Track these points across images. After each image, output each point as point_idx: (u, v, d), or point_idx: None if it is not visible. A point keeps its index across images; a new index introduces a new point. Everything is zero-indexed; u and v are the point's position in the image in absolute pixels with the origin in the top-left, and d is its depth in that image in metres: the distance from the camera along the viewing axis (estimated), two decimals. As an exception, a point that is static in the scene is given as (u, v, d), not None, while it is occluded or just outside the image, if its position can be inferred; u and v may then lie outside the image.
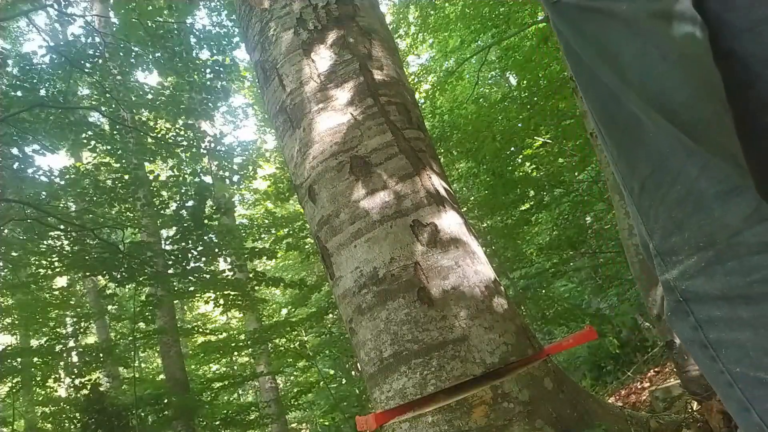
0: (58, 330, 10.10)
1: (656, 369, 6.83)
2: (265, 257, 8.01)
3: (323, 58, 2.19)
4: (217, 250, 7.89)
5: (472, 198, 10.43)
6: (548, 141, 9.32)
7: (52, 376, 9.43)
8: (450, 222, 2.04)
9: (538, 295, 10.67)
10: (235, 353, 9.98)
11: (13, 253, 8.75)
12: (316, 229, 2.17)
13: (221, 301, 8.39)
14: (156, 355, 11.21)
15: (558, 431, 1.66)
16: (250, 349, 9.83)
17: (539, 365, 1.76)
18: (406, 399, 1.77)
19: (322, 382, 9.85)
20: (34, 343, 10.58)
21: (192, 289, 8.50)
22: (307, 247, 9.64)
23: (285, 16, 2.34)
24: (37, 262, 8.23)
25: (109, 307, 10.66)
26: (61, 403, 9.01)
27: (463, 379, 1.74)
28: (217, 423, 9.69)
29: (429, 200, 2.04)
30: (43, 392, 9.56)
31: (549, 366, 1.81)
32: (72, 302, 9.84)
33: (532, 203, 10.10)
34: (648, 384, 6.24)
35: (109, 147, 8.90)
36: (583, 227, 10.38)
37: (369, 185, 2.04)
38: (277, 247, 9.22)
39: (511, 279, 10.49)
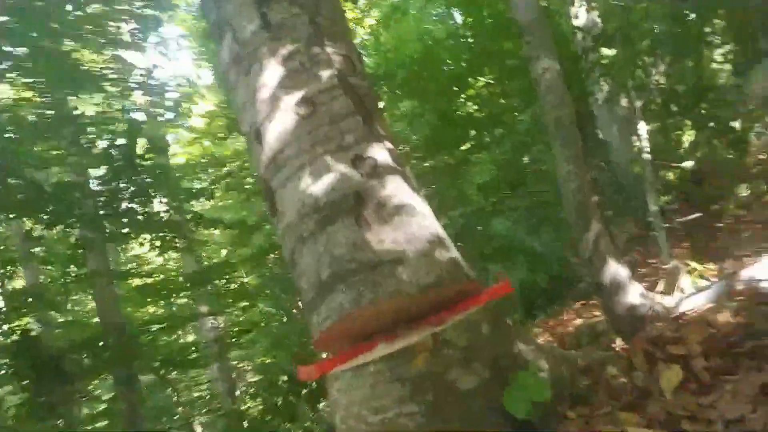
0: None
1: (582, 303, 7.28)
2: (203, 198, 7.81)
3: (274, 11, 2.32)
4: (151, 191, 7.61)
5: (415, 137, 10.44)
6: (491, 81, 9.35)
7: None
8: (388, 157, 2.17)
9: (477, 232, 10.98)
10: (174, 295, 9.84)
11: None
12: (263, 170, 2.26)
13: (158, 243, 8.19)
14: (90, 299, 10.90)
15: (494, 372, 1.74)
16: (189, 292, 9.72)
17: (478, 310, 1.83)
18: (341, 313, 1.86)
19: (263, 322, 9.93)
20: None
21: (126, 231, 8.22)
22: (247, 187, 9.46)
23: (240, -23, 2.44)
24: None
25: (37, 249, 10.18)
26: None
27: (396, 297, 1.81)
28: (157, 364, 9.65)
29: (369, 137, 2.17)
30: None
31: (487, 310, 1.88)
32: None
33: (473, 143, 10.21)
34: (574, 316, 6.66)
35: (30, 80, 8.22)
36: (522, 168, 10.65)
37: (314, 123, 2.15)
38: (216, 186, 9.00)
39: (451, 217, 10.72)
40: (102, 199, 7.43)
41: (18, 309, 8.64)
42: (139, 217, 7.66)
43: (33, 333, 8.60)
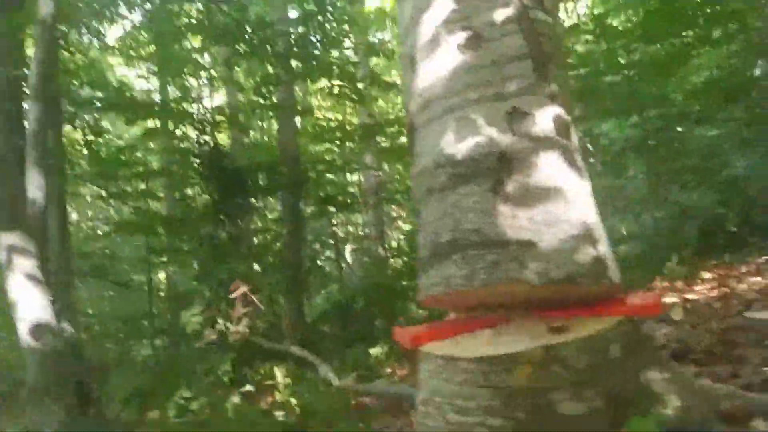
0: (189, 84, 10.79)
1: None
2: (383, 55, 7.69)
3: None
4: (337, 38, 7.65)
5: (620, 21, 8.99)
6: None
7: (181, 126, 10.26)
8: (552, 120, 1.76)
9: (674, 139, 9.70)
10: (344, 141, 10.29)
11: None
12: (409, 102, 1.99)
13: (335, 91, 8.41)
14: (274, 126, 11.82)
15: (608, 403, 1.51)
16: (357, 141, 10.07)
17: (612, 327, 1.55)
18: (450, 287, 1.68)
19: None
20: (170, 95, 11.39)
21: (309, 72, 8.51)
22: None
23: None
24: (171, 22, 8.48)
25: (236, 73, 11.04)
26: (188, 155, 9.83)
27: (516, 284, 1.59)
28: (322, 196, 10.47)
29: (536, 90, 1.76)
30: (174, 141, 10.48)
31: (623, 328, 1.59)
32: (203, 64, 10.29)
33: (696, 35, 8.58)
34: (751, 271, 5.72)
35: None
36: (748, 77, 8.83)
37: (475, 61, 1.79)
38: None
39: (645, 118, 9.49)
40: (293, 39, 7.64)
41: (214, 124, 9.63)
42: (325, 63, 7.81)
43: (223, 147, 9.64)
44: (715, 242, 7.10)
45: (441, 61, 1.85)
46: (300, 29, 7.63)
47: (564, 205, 1.65)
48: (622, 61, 8.93)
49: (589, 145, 10.34)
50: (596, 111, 9.92)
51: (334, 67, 8.12)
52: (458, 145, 1.76)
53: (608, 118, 10.23)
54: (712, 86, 8.76)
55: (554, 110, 1.74)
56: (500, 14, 1.79)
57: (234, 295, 4.95)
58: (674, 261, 6.34)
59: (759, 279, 5.33)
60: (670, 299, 5.64)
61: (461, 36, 1.81)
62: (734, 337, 3.09)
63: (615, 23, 9.63)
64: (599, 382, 1.51)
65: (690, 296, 5.63)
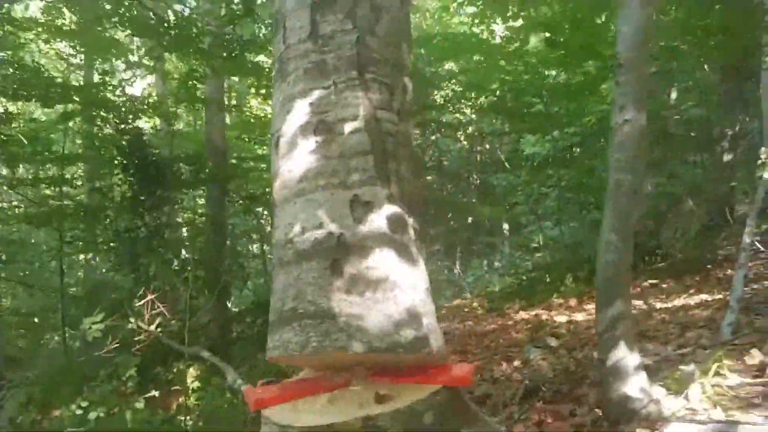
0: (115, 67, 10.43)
1: (653, 282, 6.77)
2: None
3: (326, 21, 2.18)
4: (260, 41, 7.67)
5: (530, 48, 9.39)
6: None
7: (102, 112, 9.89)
8: (390, 208, 2.04)
9: (578, 157, 10.24)
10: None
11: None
12: (273, 180, 2.24)
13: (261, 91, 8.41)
14: (201, 121, 11.62)
15: (418, 467, 1.75)
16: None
17: (426, 398, 1.80)
18: (287, 352, 1.93)
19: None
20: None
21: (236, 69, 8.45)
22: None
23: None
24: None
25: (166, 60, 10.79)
26: (108, 142, 9.47)
27: (343, 351, 1.85)
28: (248, 192, 10.42)
29: (376, 182, 2.05)
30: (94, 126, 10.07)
31: (438, 398, 1.84)
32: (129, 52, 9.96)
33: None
34: (635, 294, 6.23)
35: None
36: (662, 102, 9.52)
37: (326, 151, 2.07)
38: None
39: (565, 133, 10.03)
40: (219, 39, 7.59)
41: (136, 112, 9.35)
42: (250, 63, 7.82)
43: (144, 137, 9.36)
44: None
45: (299, 148, 2.10)
46: (227, 29, 7.59)
47: (391, 290, 1.92)
48: (543, 81, 9.40)
49: (504, 159, 10.86)
50: (519, 127, 10.48)
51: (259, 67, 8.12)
52: (304, 226, 2.02)
53: (529, 133, 10.76)
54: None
55: (390, 208, 1.99)
56: (351, 112, 2.08)
57: (140, 303, 4.99)
58: (569, 280, 6.84)
59: (641, 302, 5.84)
60: (560, 318, 6.09)
61: (317, 128, 2.07)
62: (586, 372, 3.49)
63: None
64: (412, 445, 1.75)
65: (578, 316, 6.09)
